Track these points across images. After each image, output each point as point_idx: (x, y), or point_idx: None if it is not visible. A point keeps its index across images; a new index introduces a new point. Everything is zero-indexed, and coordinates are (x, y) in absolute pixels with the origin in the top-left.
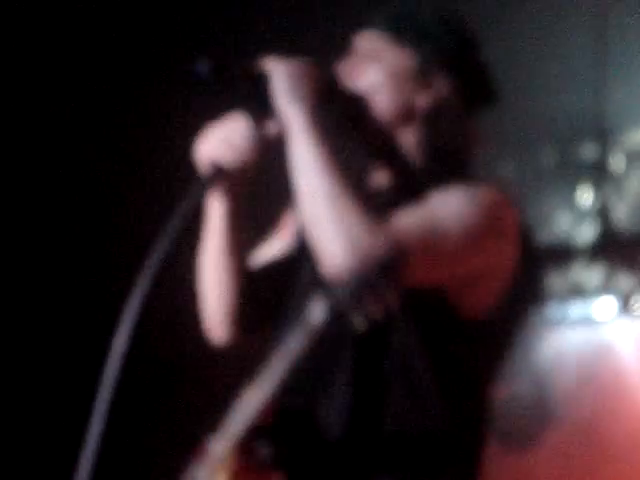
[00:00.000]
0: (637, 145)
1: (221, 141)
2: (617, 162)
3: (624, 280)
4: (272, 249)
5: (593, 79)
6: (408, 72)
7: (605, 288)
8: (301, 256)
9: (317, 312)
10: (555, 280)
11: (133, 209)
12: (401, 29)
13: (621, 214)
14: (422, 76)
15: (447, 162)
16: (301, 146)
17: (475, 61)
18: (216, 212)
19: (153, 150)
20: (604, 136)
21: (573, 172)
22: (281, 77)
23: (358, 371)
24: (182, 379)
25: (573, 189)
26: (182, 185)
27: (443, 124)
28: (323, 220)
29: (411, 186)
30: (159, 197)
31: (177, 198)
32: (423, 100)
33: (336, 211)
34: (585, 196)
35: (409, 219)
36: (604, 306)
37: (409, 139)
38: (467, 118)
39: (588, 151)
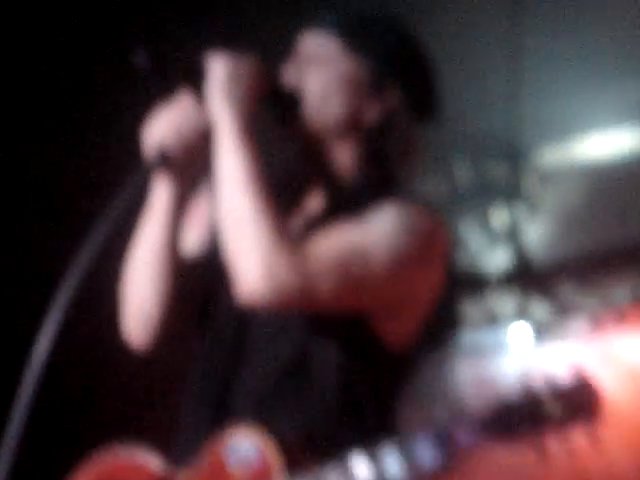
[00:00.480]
0: (550, 165)
1: (168, 124)
2: (530, 183)
3: (538, 307)
4: (188, 243)
5: (506, 96)
6: (360, 81)
7: (519, 315)
8: (219, 259)
9: None
10: (469, 307)
11: (76, 196)
12: (355, 35)
13: (534, 236)
14: (374, 86)
15: (384, 177)
16: (226, 153)
17: (425, 73)
18: (159, 201)
19: (100, 137)
20: (517, 156)
21: (486, 193)
22: (217, 74)
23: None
24: (102, 386)
25: (486, 211)
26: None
27: (388, 138)
28: (241, 240)
29: (343, 203)
30: (105, 185)
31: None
32: (372, 112)
33: (255, 233)
34: (498, 218)
35: (333, 246)
36: (519, 333)
37: (348, 151)
38: (411, 132)
39: (501, 170)
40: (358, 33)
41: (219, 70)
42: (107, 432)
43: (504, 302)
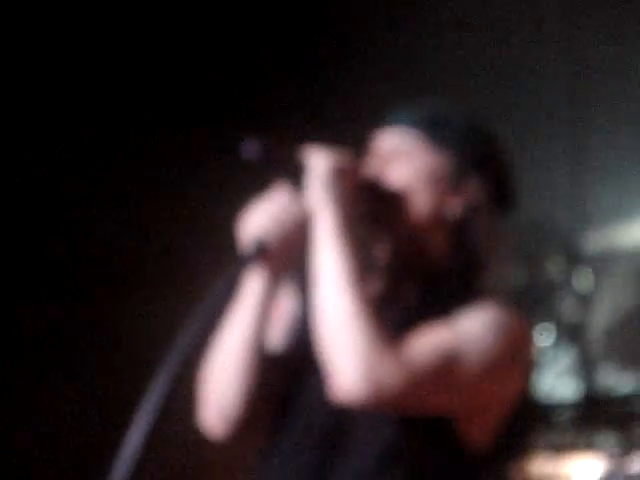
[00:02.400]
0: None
1: (265, 216)
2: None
3: (607, 439)
4: (272, 337)
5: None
6: (443, 174)
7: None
8: (304, 357)
9: None
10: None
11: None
12: (434, 129)
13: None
14: (456, 180)
15: (473, 271)
16: (325, 249)
17: (504, 167)
18: (251, 293)
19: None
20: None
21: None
22: (318, 170)
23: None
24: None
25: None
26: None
27: (473, 231)
28: (340, 338)
29: (437, 297)
30: (199, 278)
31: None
32: (456, 204)
33: (355, 332)
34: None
35: (430, 348)
36: (587, 467)
37: (437, 245)
38: (494, 226)
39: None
40: (436, 126)
41: (321, 163)
42: None
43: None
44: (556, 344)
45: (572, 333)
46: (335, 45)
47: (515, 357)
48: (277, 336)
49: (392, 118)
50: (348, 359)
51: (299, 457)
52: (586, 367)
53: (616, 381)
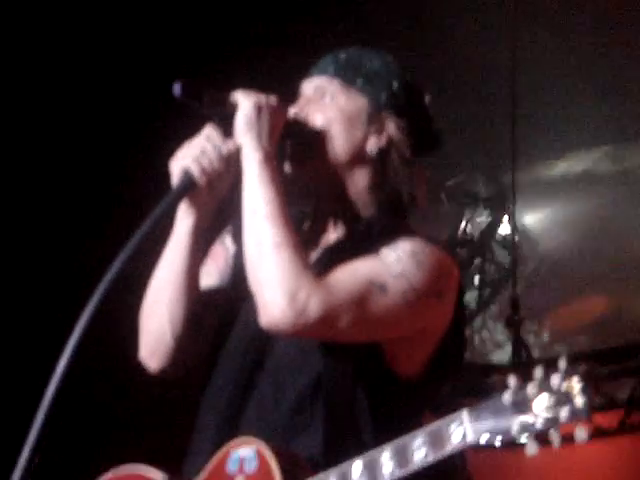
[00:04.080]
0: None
1: (193, 150)
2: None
3: None
4: (206, 278)
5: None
6: (359, 115)
7: None
8: (239, 290)
9: None
10: None
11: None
12: (349, 73)
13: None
14: (373, 120)
15: (395, 208)
16: (251, 184)
17: (421, 106)
18: (183, 226)
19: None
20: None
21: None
22: (244, 109)
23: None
24: (119, 403)
25: None
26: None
27: (392, 167)
28: (264, 268)
29: (358, 235)
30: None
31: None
32: (373, 143)
33: (278, 261)
34: None
35: (352, 278)
36: None
37: (359, 182)
38: (414, 163)
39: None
40: (353, 72)
41: (247, 104)
42: (121, 449)
43: None
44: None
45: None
46: None
47: (440, 290)
48: (212, 275)
49: (315, 68)
50: (272, 286)
51: (227, 391)
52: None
53: None
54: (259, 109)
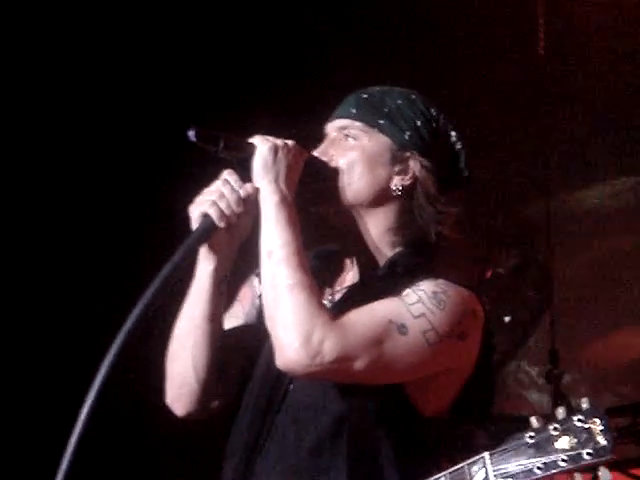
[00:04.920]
0: None
1: (211, 194)
2: None
3: None
4: (233, 320)
5: None
6: (384, 155)
7: None
8: (263, 330)
9: None
10: None
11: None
12: (374, 116)
13: None
14: (397, 159)
15: (421, 248)
16: (268, 226)
17: (447, 143)
18: (204, 271)
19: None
20: None
21: None
22: (262, 152)
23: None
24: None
25: None
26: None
27: (418, 207)
28: (280, 309)
29: (381, 275)
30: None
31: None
32: (399, 182)
33: (294, 303)
34: None
35: (369, 314)
36: None
37: (383, 223)
38: (441, 203)
39: None
40: (373, 111)
41: (264, 147)
42: None
43: None
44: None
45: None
46: None
47: (463, 331)
48: (239, 317)
49: (338, 109)
50: (286, 328)
51: (247, 432)
52: None
53: None
54: (276, 152)
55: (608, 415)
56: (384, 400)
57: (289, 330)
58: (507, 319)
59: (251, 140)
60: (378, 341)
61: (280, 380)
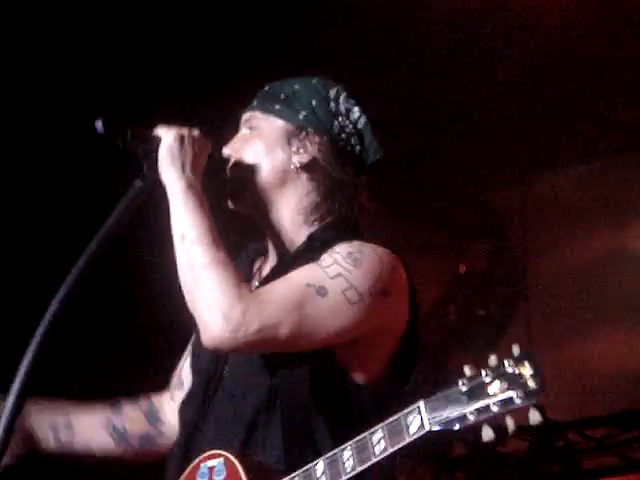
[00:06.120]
0: None
1: None
2: None
3: None
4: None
5: None
6: (280, 138)
7: None
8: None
9: None
10: None
11: None
12: (270, 103)
13: None
14: (294, 139)
15: (334, 226)
16: (176, 210)
17: (348, 122)
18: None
19: None
20: None
21: None
22: (167, 142)
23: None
24: None
25: None
26: None
27: (322, 185)
28: (197, 287)
29: (299, 252)
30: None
31: None
32: (296, 160)
33: (209, 279)
34: None
35: (286, 283)
36: None
37: (292, 203)
38: (345, 175)
39: None
40: (271, 99)
41: (169, 137)
42: None
43: None
44: None
45: None
46: None
47: (385, 288)
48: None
49: (251, 102)
50: (207, 306)
51: (188, 419)
52: None
53: None
54: (182, 141)
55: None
56: (315, 369)
57: (210, 307)
58: (481, 313)
59: (156, 130)
60: (298, 305)
61: (214, 364)
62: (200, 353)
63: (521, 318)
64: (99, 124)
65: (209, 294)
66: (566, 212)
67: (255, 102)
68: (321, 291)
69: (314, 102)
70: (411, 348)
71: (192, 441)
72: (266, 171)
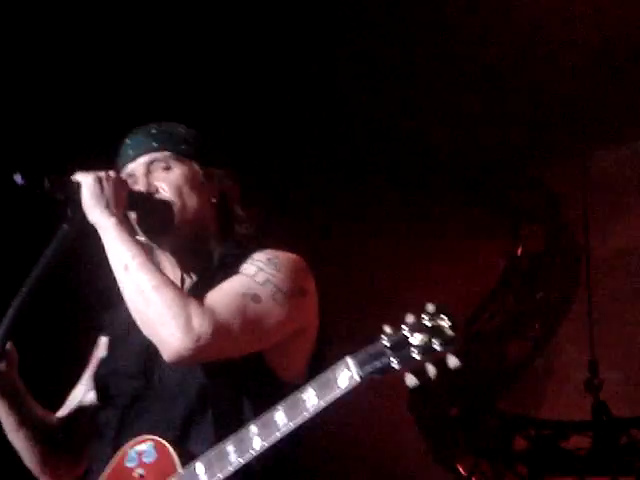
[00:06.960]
0: None
1: None
2: None
3: None
4: (78, 392)
5: None
6: (194, 177)
7: None
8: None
9: None
10: None
11: None
12: (174, 144)
13: None
14: (205, 177)
15: (243, 242)
16: (110, 245)
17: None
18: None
19: None
20: None
21: None
22: (87, 186)
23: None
24: None
25: None
26: None
27: (230, 208)
28: (151, 308)
29: (215, 269)
30: None
31: None
32: (212, 194)
33: (162, 298)
34: None
35: (225, 291)
36: None
37: (210, 227)
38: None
39: None
40: (171, 140)
41: (88, 181)
42: None
43: None
44: None
45: None
46: None
47: (302, 287)
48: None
49: (131, 149)
50: (165, 323)
51: (114, 422)
52: None
53: None
54: (100, 182)
55: None
56: (245, 369)
57: (167, 324)
58: (539, 296)
59: (74, 177)
60: (241, 312)
61: (142, 371)
62: (119, 365)
63: (582, 303)
64: (18, 177)
65: (165, 312)
66: (629, 189)
67: (155, 143)
68: (255, 298)
69: (201, 140)
70: (324, 347)
71: (122, 444)
72: (186, 204)
